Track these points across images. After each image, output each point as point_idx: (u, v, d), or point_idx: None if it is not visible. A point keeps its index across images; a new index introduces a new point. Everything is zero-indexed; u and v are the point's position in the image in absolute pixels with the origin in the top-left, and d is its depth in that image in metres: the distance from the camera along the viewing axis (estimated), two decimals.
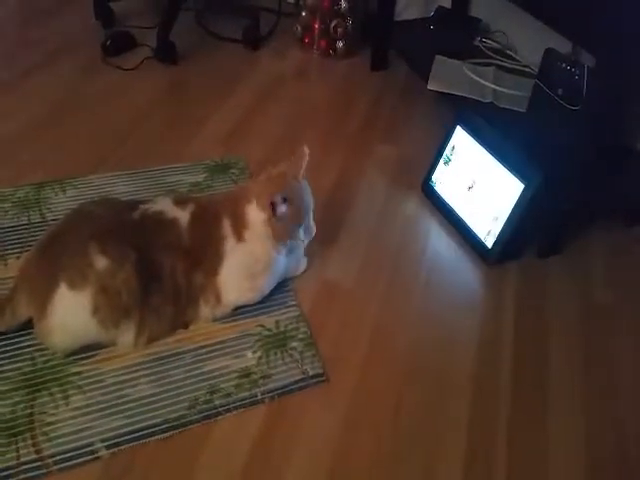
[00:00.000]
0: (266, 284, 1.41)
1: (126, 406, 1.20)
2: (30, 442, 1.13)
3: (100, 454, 1.13)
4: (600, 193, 1.63)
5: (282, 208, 1.32)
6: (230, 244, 1.33)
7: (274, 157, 1.92)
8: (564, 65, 1.60)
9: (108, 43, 2.33)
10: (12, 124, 1.94)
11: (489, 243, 1.59)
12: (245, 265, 1.35)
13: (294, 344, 1.36)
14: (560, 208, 1.59)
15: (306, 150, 1.40)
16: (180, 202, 1.36)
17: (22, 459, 1.10)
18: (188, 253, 1.31)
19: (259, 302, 1.43)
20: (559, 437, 1.25)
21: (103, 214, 1.29)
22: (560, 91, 1.61)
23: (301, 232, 1.40)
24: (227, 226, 1.34)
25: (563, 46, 1.69)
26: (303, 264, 1.54)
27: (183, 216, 1.33)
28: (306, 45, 2.56)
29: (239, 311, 1.41)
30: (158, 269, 1.28)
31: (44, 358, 1.26)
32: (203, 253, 1.32)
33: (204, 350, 1.32)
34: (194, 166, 1.84)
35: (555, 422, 1.28)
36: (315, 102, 2.26)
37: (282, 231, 1.35)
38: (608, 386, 1.37)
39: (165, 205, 1.34)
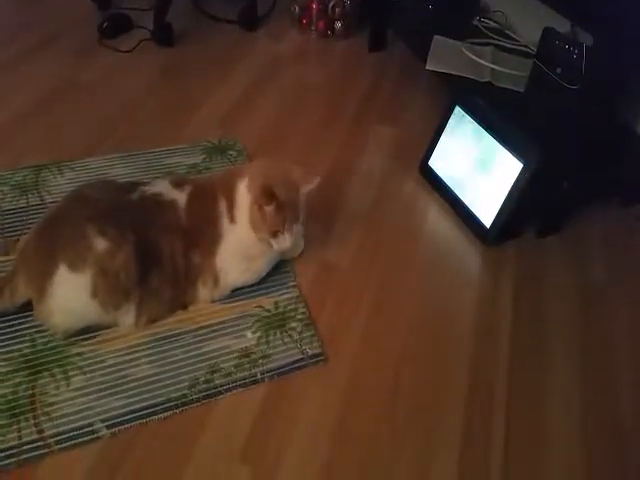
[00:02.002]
0: (263, 266, 1.42)
1: (127, 386, 1.21)
2: (32, 422, 1.14)
3: (101, 434, 1.14)
4: (598, 173, 1.63)
5: (267, 200, 1.26)
6: (225, 225, 1.33)
7: (272, 138, 1.93)
8: (563, 44, 1.59)
9: (104, 25, 2.32)
10: (9, 107, 1.94)
11: (487, 223, 1.59)
12: (240, 247, 1.35)
13: (293, 324, 1.37)
14: (558, 188, 1.59)
15: (317, 178, 1.35)
16: (178, 184, 1.36)
17: (24, 439, 1.11)
18: (186, 234, 1.31)
19: (258, 283, 1.44)
20: (557, 417, 1.27)
21: (101, 196, 1.29)
22: (559, 70, 1.60)
23: (275, 241, 1.32)
24: (223, 206, 1.34)
25: (562, 25, 1.68)
26: (300, 246, 1.54)
27: (181, 197, 1.33)
28: (304, 26, 2.54)
29: (238, 292, 1.42)
30: (157, 250, 1.28)
31: (44, 339, 1.27)
32: (201, 234, 1.33)
33: (204, 330, 1.33)
34: (192, 148, 1.84)
35: (553, 407, 1.29)
36: (313, 83, 2.25)
37: (258, 222, 1.30)
38: (605, 366, 1.38)
39: (163, 187, 1.34)
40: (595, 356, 1.39)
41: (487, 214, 1.59)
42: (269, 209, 1.27)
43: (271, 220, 1.28)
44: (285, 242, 1.32)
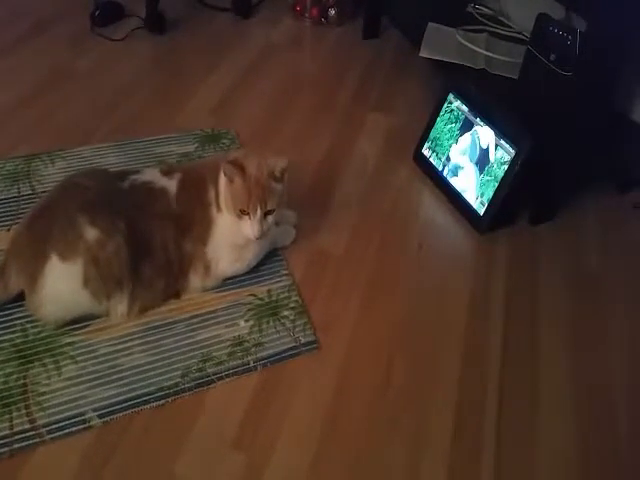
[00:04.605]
0: (253, 255, 1.41)
1: (119, 375, 1.21)
2: (24, 412, 1.14)
3: (93, 423, 1.14)
4: (592, 160, 1.62)
5: (234, 171, 1.25)
6: (214, 213, 1.33)
7: (265, 126, 1.92)
8: (557, 30, 1.57)
9: (97, 13, 2.30)
10: (0, 95, 1.92)
11: (480, 211, 1.59)
12: (226, 235, 1.34)
13: (286, 313, 1.37)
14: (552, 175, 1.59)
15: (286, 159, 1.30)
16: (167, 172, 1.35)
17: (15, 429, 1.11)
18: (177, 222, 1.31)
19: (251, 272, 1.43)
20: (550, 410, 1.27)
21: (92, 185, 1.28)
22: (552, 57, 1.59)
23: (243, 224, 1.28)
24: (212, 193, 1.33)
25: (556, 12, 1.67)
26: (292, 235, 1.54)
27: (171, 185, 1.32)
28: (297, 13, 2.53)
29: (231, 281, 1.41)
30: (148, 239, 1.28)
31: (36, 329, 1.27)
32: (192, 222, 1.32)
33: (197, 319, 1.33)
34: (184, 136, 1.83)
35: (546, 400, 1.28)
36: (306, 71, 2.24)
37: (228, 200, 1.28)
38: (598, 355, 1.38)
39: (153, 175, 1.34)
40: (589, 346, 1.39)
41: (480, 202, 1.59)
42: (237, 184, 1.25)
43: (238, 196, 1.26)
44: (251, 229, 1.27)
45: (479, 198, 1.59)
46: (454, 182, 1.67)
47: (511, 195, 1.53)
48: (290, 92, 2.10)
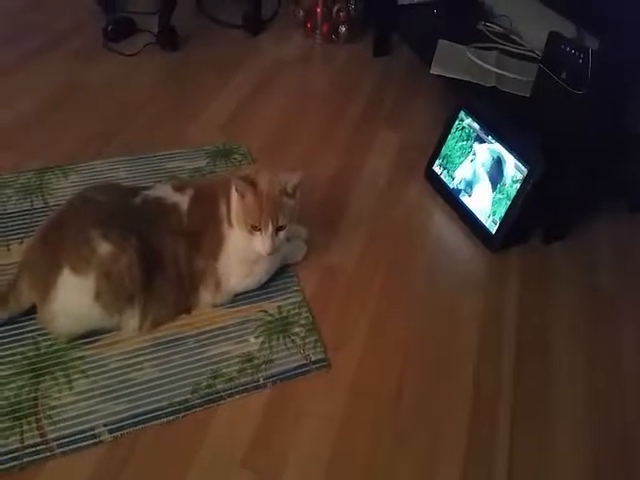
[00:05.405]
0: (264, 271, 1.41)
1: (129, 390, 1.21)
2: (34, 425, 1.14)
3: (103, 438, 1.13)
4: (604, 178, 1.62)
5: (246, 187, 1.25)
6: (225, 228, 1.33)
7: (276, 142, 1.93)
8: (568, 49, 1.58)
9: (109, 28, 2.32)
10: (14, 109, 1.94)
11: (493, 229, 1.58)
12: (238, 251, 1.34)
13: (296, 329, 1.37)
14: (564, 193, 1.58)
15: (301, 174, 1.30)
16: (179, 187, 1.36)
17: (26, 442, 1.11)
18: (189, 237, 1.31)
19: (261, 288, 1.43)
20: (562, 429, 1.26)
21: (105, 200, 1.29)
22: (564, 75, 1.59)
23: (255, 240, 1.28)
24: (223, 209, 1.33)
25: (567, 30, 1.68)
26: (302, 251, 1.53)
27: (183, 200, 1.33)
28: (308, 30, 2.55)
29: (241, 296, 1.41)
30: (160, 254, 1.28)
31: (48, 343, 1.27)
32: (203, 237, 1.33)
33: (207, 335, 1.33)
34: (196, 151, 1.84)
35: (559, 419, 1.28)
36: (317, 87, 2.25)
37: (239, 215, 1.28)
38: (611, 375, 1.37)
39: (165, 191, 1.35)
40: (601, 366, 1.38)
41: (492, 220, 1.58)
42: (248, 199, 1.25)
43: (249, 212, 1.26)
44: (262, 245, 1.27)
45: (491, 216, 1.59)
46: (465, 200, 1.67)
47: (523, 214, 1.53)
48: (301, 108, 2.11)
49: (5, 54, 2.20)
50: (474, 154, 1.66)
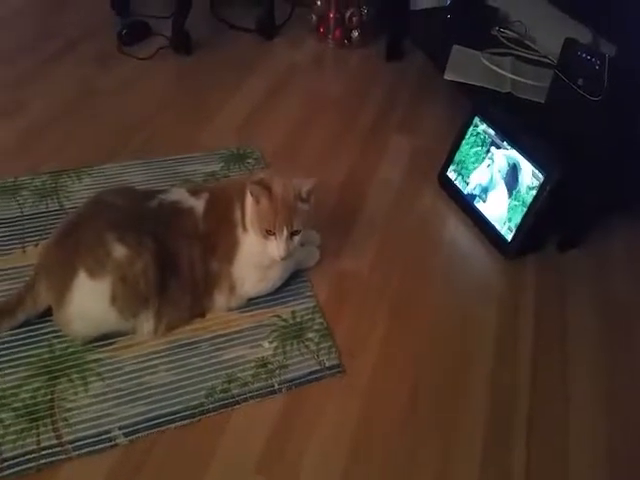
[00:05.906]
0: (278, 276, 1.41)
1: (144, 393, 1.21)
2: (50, 427, 1.14)
3: (118, 441, 1.14)
4: (621, 185, 1.61)
5: (261, 191, 1.26)
6: (240, 233, 1.33)
7: (289, 146, 1.93)
8: (584, 55, 1.57)
9: (124, 32, 2.34)
10: (30, 113, 1.95)
11: (508, 236, 1.57)
12: (252, 256, 1.34)
13: (310, 335, 1.36)
14: (580, 200, 1.57)
15: (314, 179, 1.30)
16: (195, 191, 1.36)
17: (42, 444, 1.11)
18: (204, 241, 1.31)
19: (275, 292, 1.43)
20: (580, 439, 1.25)
21: (121, 203, 1.30)
22: (580, 81, 1.59)
23: (269, 245, 1.28)
24: (238, 214, 1.33)
25: (583, 36, 1.67)
26: (316, 256, 1.53)
27: (198, 205, 1.33)
28: (321, 35, 2.55)
29: (255, 301, 1.41)
30: (175, 258, 1.28)
31: (63, 345, 1.27)
32: (218, 241, 1.33)
33: (221, 339, 1.33)
34: (210, 155, 1.84)
35: (576, 425, 1.26)
36: (330, 92, 2.25)
37: (254, 220, 1.28)
38: (630, 383, 1.35)
39: (181, 195, 1.35)
40: (620, 374, 1.36)
41: (508, 227, 1.58)
42: (263, 204, 1.26)
43: (264, 216, 1.26)
44: (277, 249, 1.27)
45: (507, 223, 1.58)
46: (480, 206, 1.67)
47: (539, 221, 1.52)
48: (313, 113, 2.11)
49: (22, 59, 2.22)
50: (491, 159, 1.65)
